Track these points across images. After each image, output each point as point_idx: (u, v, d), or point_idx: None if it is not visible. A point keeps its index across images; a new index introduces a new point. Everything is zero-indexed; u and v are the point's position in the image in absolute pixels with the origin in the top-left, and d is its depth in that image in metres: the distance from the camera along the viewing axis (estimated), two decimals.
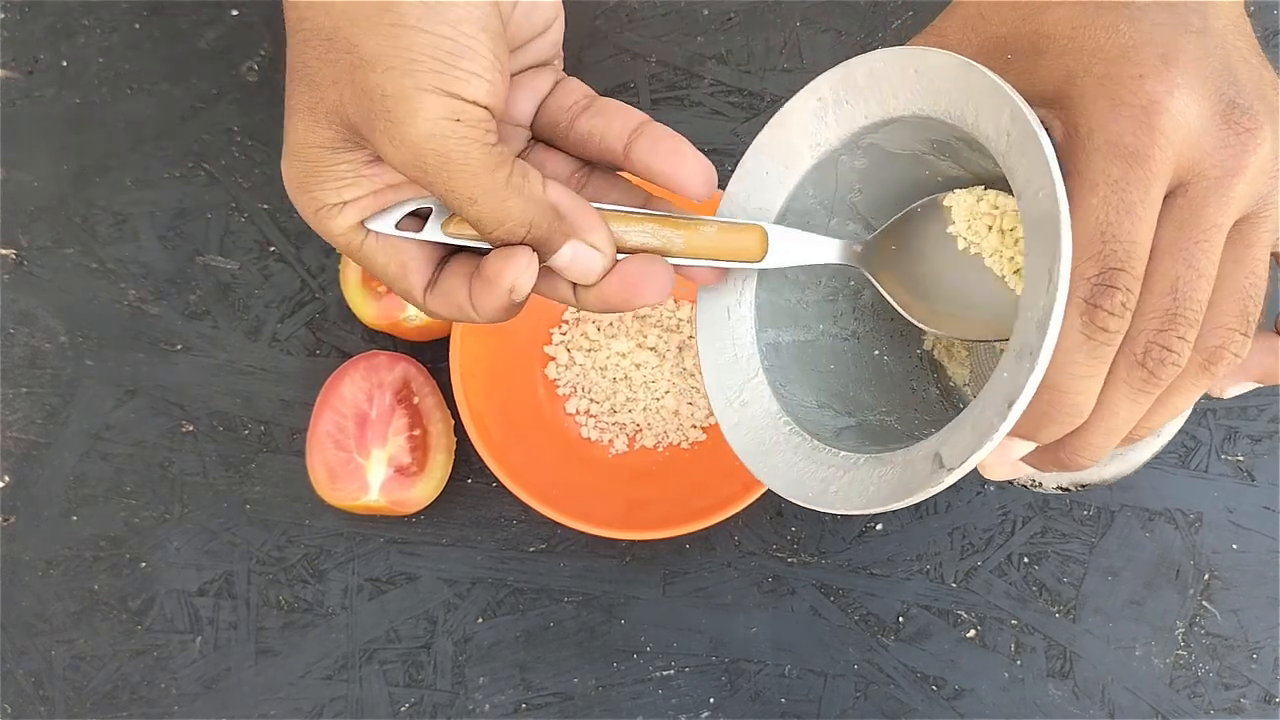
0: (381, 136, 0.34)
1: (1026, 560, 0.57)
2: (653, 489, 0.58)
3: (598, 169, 0.41)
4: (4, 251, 0.62)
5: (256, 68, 0.63)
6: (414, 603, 0.58)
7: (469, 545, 0.58)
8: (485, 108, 0.34)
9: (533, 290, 0.38)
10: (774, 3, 0.62)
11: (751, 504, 0.54)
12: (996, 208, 0.38)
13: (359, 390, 0.58)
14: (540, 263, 0.37)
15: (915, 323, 0.39)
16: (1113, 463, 0.44)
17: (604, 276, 0.38)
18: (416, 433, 0.57)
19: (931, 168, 0.40)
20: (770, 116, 0.40)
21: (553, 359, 0.60)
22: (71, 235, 0.62)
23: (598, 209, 0.38)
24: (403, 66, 0.33)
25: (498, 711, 0.57)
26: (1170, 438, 0.44)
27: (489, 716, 0.57)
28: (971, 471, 0.44)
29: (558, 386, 0.60)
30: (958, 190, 0.39)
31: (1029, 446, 0.35)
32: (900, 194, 0.41)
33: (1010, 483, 0.45)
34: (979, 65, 0.34)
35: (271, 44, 0.63)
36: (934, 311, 0.39)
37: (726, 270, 0.40)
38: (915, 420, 0.44)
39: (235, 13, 0.64)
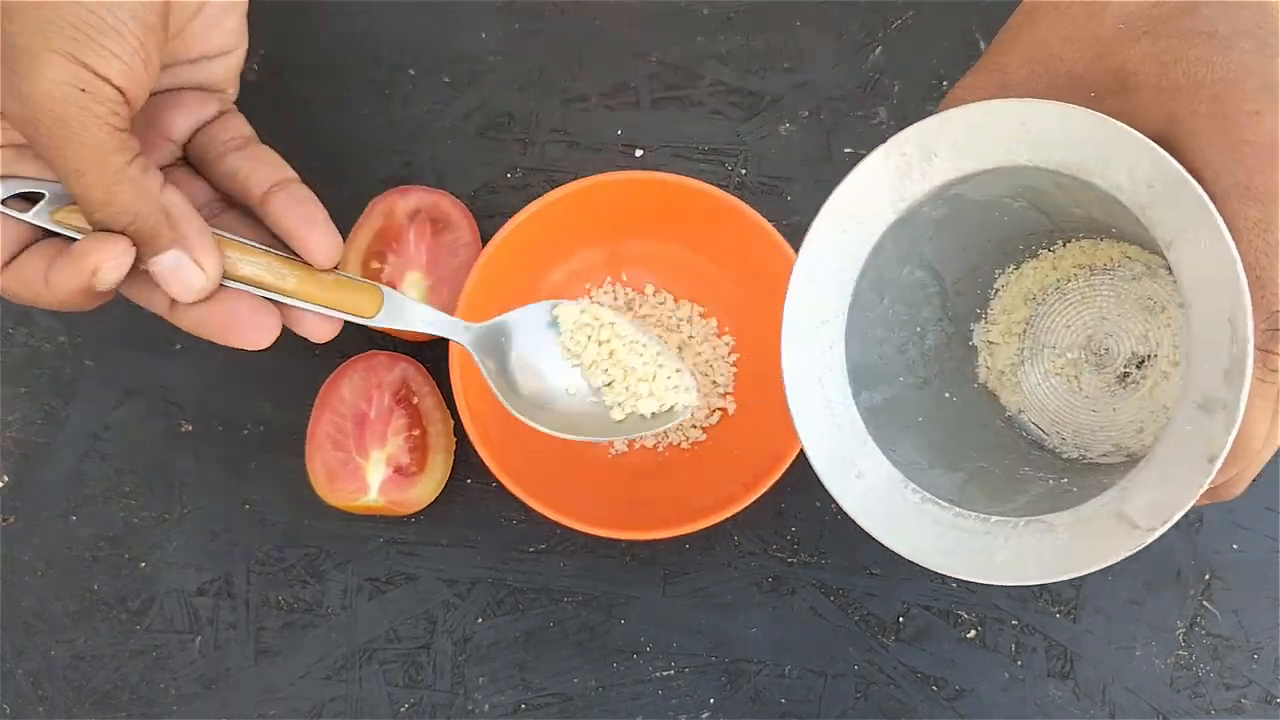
0: (4, 85, 0.34)
1: None
2: (653, 489, 0.58)
3: (234, 209, 0.42)
4: None
5: (256, 68, 0.63)
6: (413, 603, 0.58)
7: (469, 545, 0.58)
8: (117, 88, 0.35)
9: (130, 295, 0.38)
10: (774, 3, 0.62)
11: (751, 504, 0.54)
12: (597, 319, 0.41)
13: (358, 391, 0.58)
14: (140, 264, 0.37)
15: (516, 414, 0.45)
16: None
17: (204, 299, 0.39)
18: (416, 433, 0.57)
19: (1006, 210, 0.40)
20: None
21: None
22: None
23: (215, 233, 0.39)
24: (40, 25, 0.34)
25: (497, 711, 0.57)
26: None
27: (489, 716, 0.57)
28: None
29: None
30: (564, 303, 0.44)
31: None
32: (966, 234, 0.41)
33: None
34: (1110, 118, 0.33)
35: (271, 44, 0.63)
36: (537, 408, 0.45)
37: (328, 325, 0.43)
38: (1008, 462, 0.43)
39: None
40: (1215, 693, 0.56)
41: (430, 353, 0.60)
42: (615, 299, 0.60)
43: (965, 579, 0.36)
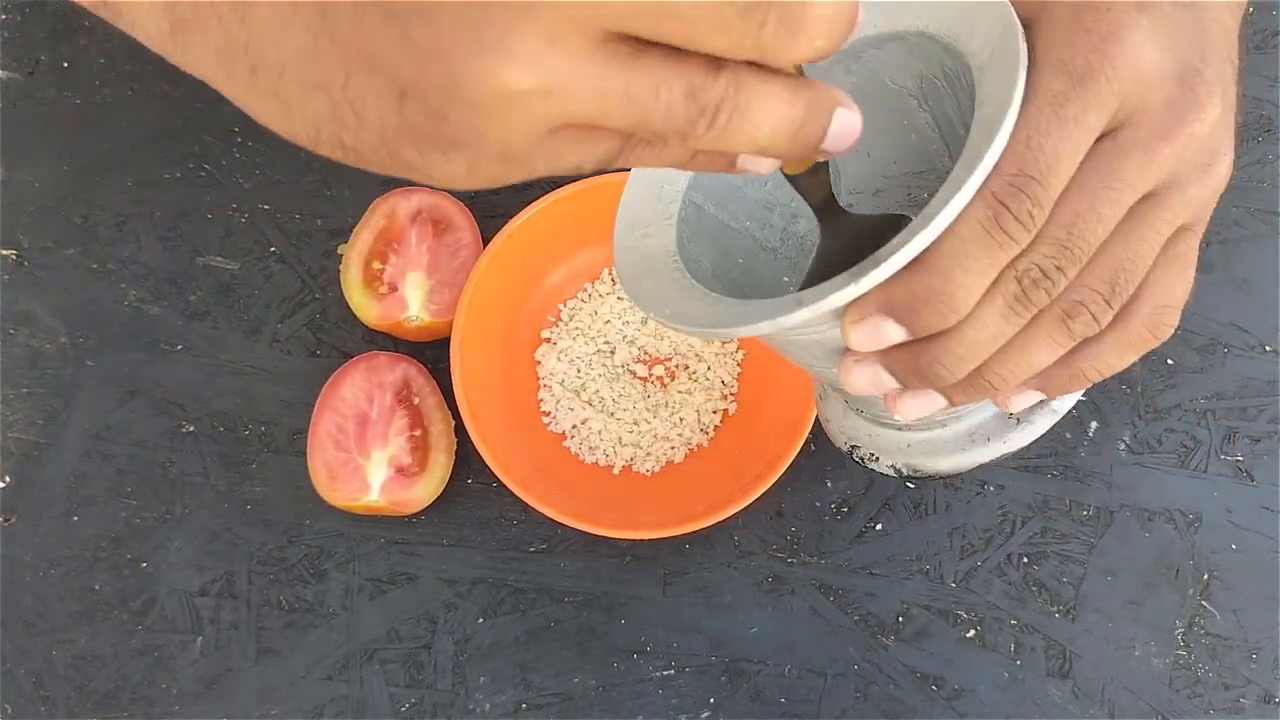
0: None
1: (1026, 560, 0.57)
2: (653, 489, 0.58)
3: None
4: (5, 252, 0.62)
5: None
6: (414, 603, 0.58)
7: (469, 545, 0.59)
8: None
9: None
10: None
11: (751, 504, 0.54)
12: None
13: (359, 391, 0.58)
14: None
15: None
16: (950, 455, 0.43)
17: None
18: (417, 433, 0.57)
19: (912, 119, 0.40)
20: None
21: (546, 387, 0.60)
22: (72, 236, 0.62)
23: None
24: None
25: (498, 711, 0.57)
26: (1016, 448, 0.42)
27: (489, 716, 0.57)
28: (970, 470, 0.43)
29: (549, 424, 0.60)
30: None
31: (897, 332, 0.33)
32: (873, 134, 0.40)
33: (851, 455, 0.44)
34: None
35: None
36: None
37: None
38: None
39: None
40: (1214, 692, 0.56)
41: (431, 353, 0.60)
42: (614, 288, 0.60)
43: (652, 317, 0.36)
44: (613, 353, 0.60)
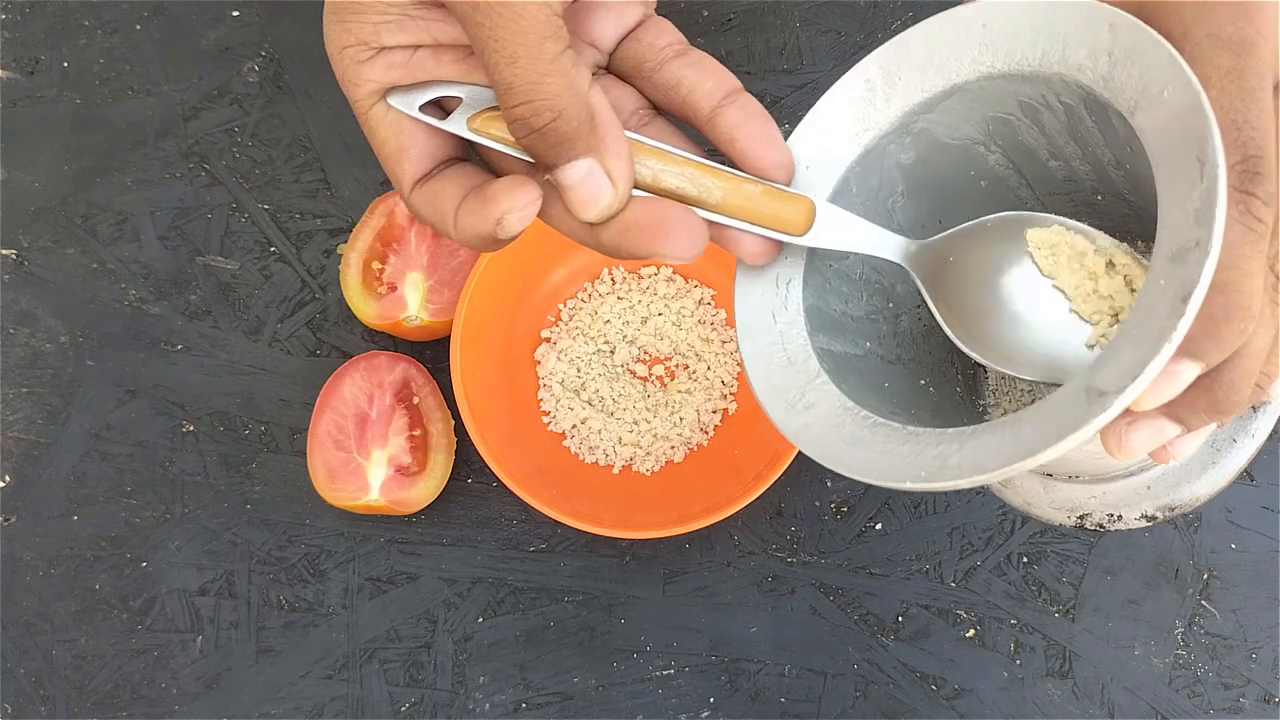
0: None
1: (1025, 560, 0.57)
2: (653, 489, 0.58)
3: (662, 116, 0.38)
4: (5, 251, 0.62)
5: (257, 68, 0.63)
6: (414, 602, 0.58)
7: (469, 545, 0.59)
8: None
9: (547, 219, 0.35)
10: (774, 4, 0.63)
11: (751, 504, 0.54)
12: (1083, 252, 0.34)
13: (359, 390, 0.58)
14: (546, 172, 0.34)
15: (958, 343, 0.35)
16: (1203, 475, 0.40)
17: (611, 216, 0.34)
18: (417, 433, 0.57)
19: (980, 166, 0.38)
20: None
21: (546, 387, 0.60)
22: (72, 235, 0.62)
23: (635, 139, 0.35)
24: None
25: (498, 711, 0.57)
26: (1264, 437, 0.40)
27: (489, 716, 0.57)
28: (1229, 484, 0.40)
29: (549, 424, 0.60)
30: (1044, 221, 0.35)
31: (1194, 371, 0.31)
32: (943, 199, 0.39)
33: (1082, 526, 0.42)
34: None
35: (272, 45, 0.63)
36: (983, 336, 0.34)
37: (767, 245, 0.36)
38: None
39: (236, 14, 0.64)
40: (1214, 692, 0.56)
41: (431, 353, 0.60)
42: (614, 288, 0.60)
43: (914, 488, 0.32)
44: (613, 352, 0.60)
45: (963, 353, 0.35)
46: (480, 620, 0.58)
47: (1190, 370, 0.31)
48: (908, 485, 0.32)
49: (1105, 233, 0.35)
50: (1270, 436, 0.57)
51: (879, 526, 0.58)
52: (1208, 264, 0.28)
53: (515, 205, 0.34)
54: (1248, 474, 0.57)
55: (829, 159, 0.36)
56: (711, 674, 0.57)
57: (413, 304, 0.58)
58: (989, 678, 0.56)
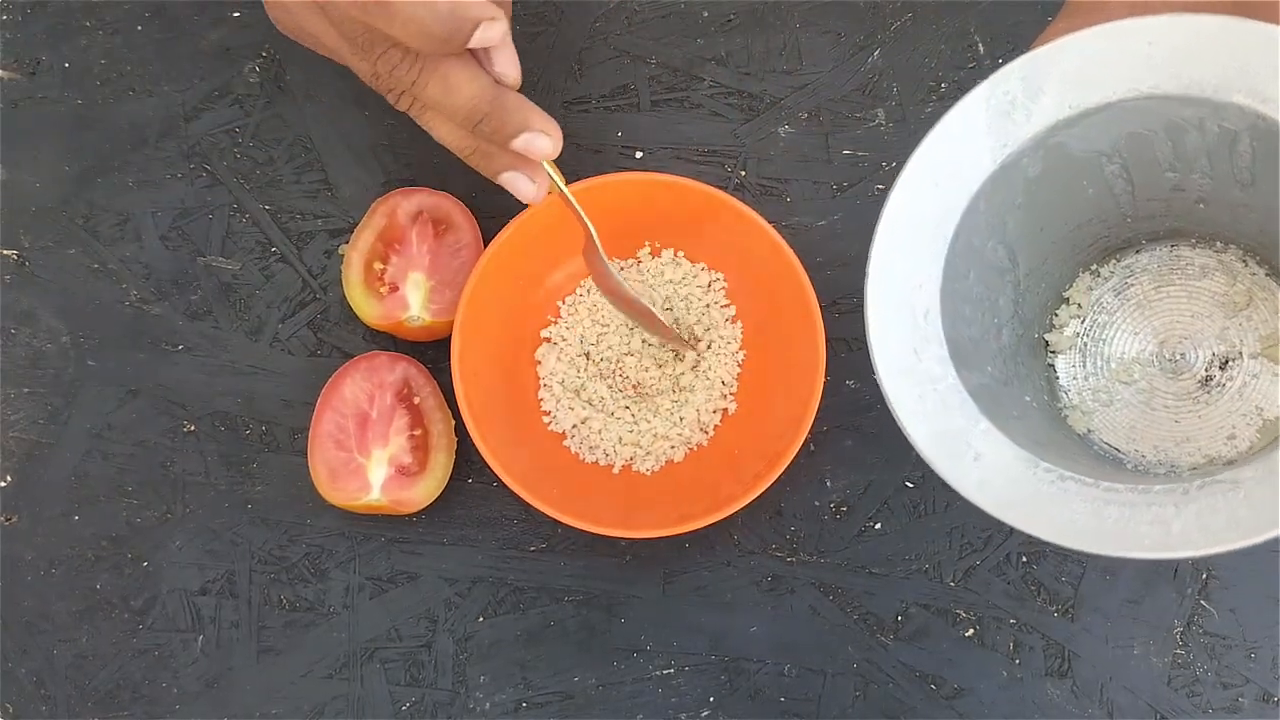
0: None
1: (1025, 559, 0.57)
2: (653, 489, 0.58)
3: None
4: (6, 252, 0.62)
5: (258, 69, 0.63)
6: (415, 602, 0.58)
7: (470, 544, 0.59)
8: None
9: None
10: (774, 4, 0.63)
11: (751, 503, 0.54)
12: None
13: (360, 390, 0.58)
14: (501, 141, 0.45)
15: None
16: None
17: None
18: (417, 432, 0.58)
19: (1095, 175, 0.37)
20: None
21: (547, 388, 0.60)
22: (73, 236, 0.62)
23: None
24: None
25: (498, 710, 0.57)
26: None
27: (489, 715, 0.57)
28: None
29: (549, 424, 0.60)
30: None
31: None
32: (1051, 209, 0.38)
33: None
34: (1247, 19, 0.30)
35: (273, 45, 0.63)
36: None
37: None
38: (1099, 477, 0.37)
39: (237, 14, 0.64)
40: (1213, 691, 0.56)
41: (431, 353, 0.60)
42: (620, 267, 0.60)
43: (1141, 556, 0.31)
44: (610, 348, 0.60)
45: (1041, 358, 0.34)
46: (480, 620, 0.58)
47: None
48: (1134, 553, 0.31)
49: (1195, 235, 0.35)
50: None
51: (878, 526, 0.58)
52: None
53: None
54: None
55: (959, 178, 0.35)
56: (711, 673, 0.57)
57: (414, 304, 0.58)
58: (988, 677, 0.56)
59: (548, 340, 0.60)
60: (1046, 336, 0.44)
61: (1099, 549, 0.31)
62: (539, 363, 0.60)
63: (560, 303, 0.61)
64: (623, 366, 0.59)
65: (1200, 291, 0.41)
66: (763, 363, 0.59)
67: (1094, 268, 0.44)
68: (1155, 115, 0.34)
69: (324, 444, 0.57)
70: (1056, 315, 0.44)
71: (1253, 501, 0.29)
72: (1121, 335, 0.43)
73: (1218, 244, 0.41)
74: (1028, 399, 0.41)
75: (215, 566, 0.59)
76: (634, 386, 0.59)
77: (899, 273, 0.35)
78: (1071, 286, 0.44)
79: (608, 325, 0.60)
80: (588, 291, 0.61)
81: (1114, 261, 0.43)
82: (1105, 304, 0.43)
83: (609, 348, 0.60)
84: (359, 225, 0.59)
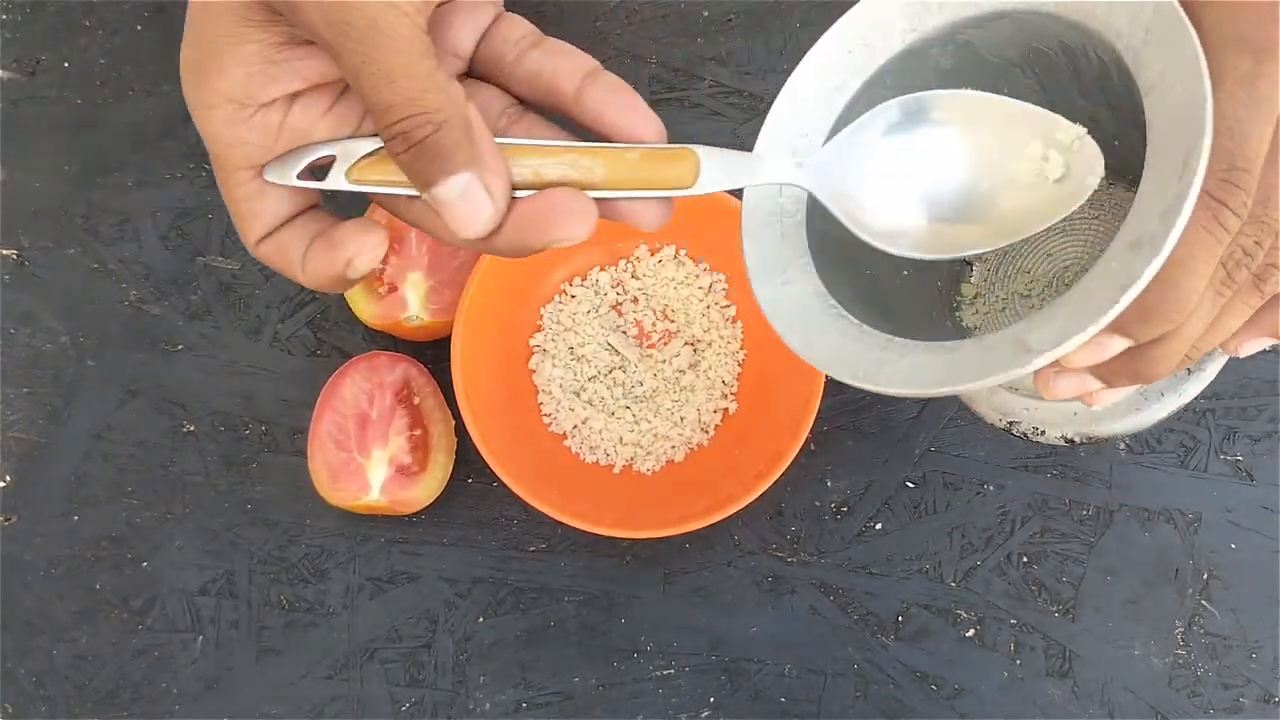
0: None
1: (1025, 560, 0.57)
2: (653, 489, 0.58)
3: (531, 111, 0.38)
4: (6, 252, 0.62)
5: None
6: (415, 602, 0.58)
7: (470, 545, 0.59)
8: None
9: (435, 234, 0.36)
10: (774, 4, 0.63)
11: (751, 504, 0.54)
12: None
13: (360, 390, 0.58)
14: (426, 188, 0.34)
15: (871, 240, 0.35)
16: (1124, 417, 0.43)
17: (490, 231, 0.35)
18: (417, 433, 0.58)
19: (1014, 86, 0.39)
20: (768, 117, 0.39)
21: (546, 391, 0.60)
22: (73, 236, 0.62)
23: (511, 143, 0.35)
24: None
25: (498, 710, 0.57)
26: (1190, 399, 0.42)
27: (489, 715, 0.57)
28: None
29: (549, 424, 0.60)
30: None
31: (1122, 345, 0.34)
32: None
33: (1010, 431, 0.44)
34: None
35: None
36: (892, 227, 0.35)
37: (660, 207, 0.36)
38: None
39: None
40: (1214, 692, 0.56)
41: (431, 353, 0.60)
42: (616, 277, 0.61)
43: (849, 383, 0.34)
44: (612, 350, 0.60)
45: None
46: (481, 620, 0.58)
47: (1118, 344, 0.34)
48: (843, 377, 0.35)
49: (1112, 171, 0.36)
50: (1271, 437, 0.58)
51: (879, 526, 0.58)
52: (1154, 264, 0.30)
53: (364, 247, 0.36)
54: (1248, 474, 0.58)
55: (870, 50, 0.38)
56: (711, 674, 0.57)
57: (413, 304, 0.58)
58: (989, 677, 0.56)
59: (538, 348, 0.60)
60: None
61: (818, 365, 0.35)
62: (534, 371, 0.60)
63: (542, 309, 0.60)
64: (613, 368, 0.60)
65: (1112, 230, 0.43)
66: (763, 363, 0.59)
67: None
68: (1049, 34, 0.36)
69: (324, 444, 0.57)
70: None
71: (949, 364, 0.33)
72: (1035, 252, 0.45)
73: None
74: (906, 273, 0.43)
75: (215, 567, 0.59)
76: (632, 388, 0.59)
77: (791, 122, 0.38)
78: None
79: (590, 334, 0.60)
80: (567, 298, 0.60)
81: None
82: None
83: (593, 353, 0.60)
84: None
